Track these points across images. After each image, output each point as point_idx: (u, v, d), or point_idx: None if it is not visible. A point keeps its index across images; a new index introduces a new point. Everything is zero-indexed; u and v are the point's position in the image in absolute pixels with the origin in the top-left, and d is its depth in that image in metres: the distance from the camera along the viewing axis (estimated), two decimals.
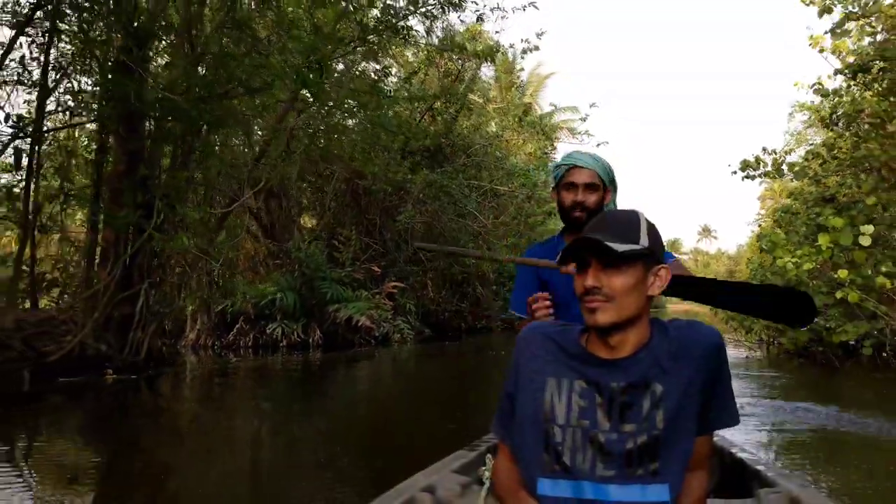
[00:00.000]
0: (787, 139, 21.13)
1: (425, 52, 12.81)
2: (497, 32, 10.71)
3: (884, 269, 7.08)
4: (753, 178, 10.63)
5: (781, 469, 2.13)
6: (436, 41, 11.40)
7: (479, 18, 10.68)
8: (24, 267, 8.13)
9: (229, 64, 6.94)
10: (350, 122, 9.72)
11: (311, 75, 6.78)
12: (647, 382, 1.29)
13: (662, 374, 1.30)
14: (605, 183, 2.29)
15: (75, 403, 6.91)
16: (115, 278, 8.19)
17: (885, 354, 7.91)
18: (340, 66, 9.99)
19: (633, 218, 1.36)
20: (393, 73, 14.06)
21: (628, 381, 1.29)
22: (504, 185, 17.88)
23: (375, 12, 9.61)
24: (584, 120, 23.56)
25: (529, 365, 1.39)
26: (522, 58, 18.81)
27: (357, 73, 9.83)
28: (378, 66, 11.45)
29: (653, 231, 1.36)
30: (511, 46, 20.84)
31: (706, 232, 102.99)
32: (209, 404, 7.44)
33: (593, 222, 1.38)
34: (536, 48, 15.37)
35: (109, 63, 7.87)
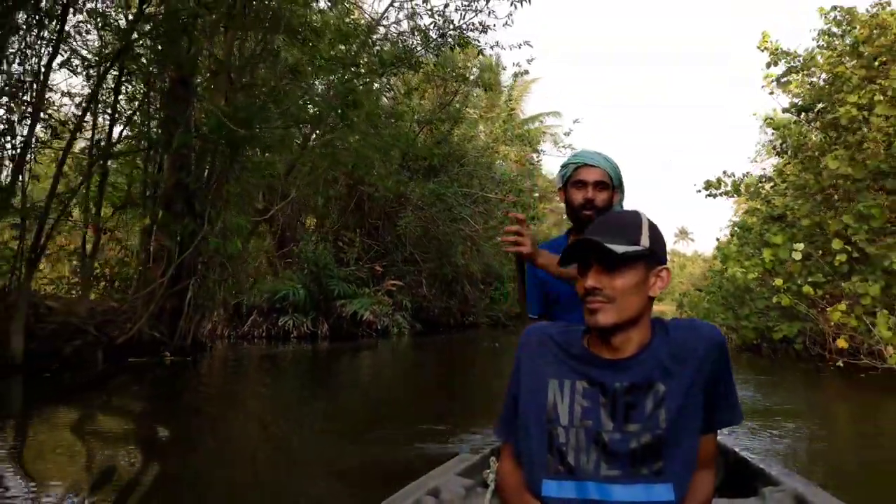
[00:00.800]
0: (751, 158, 22.77)
1: (425, 74, 14.19)
2: (492, 47, 11.89)
3: (811, 279, 8.68)
4: (715, 196, 12.23)
5: (785, 468, 2.11)
6: (436, 61, 12.75)
7: (480, 53, 12.11)
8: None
9: (277, 97, 8.35)
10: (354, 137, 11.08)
11: (347, 109, 8.20)
12: (649, 382, 1.30)
13: (665, 374, 1.30)
14: (614, 183, 2.27)
15: (145, 379, 8.29)
16: (167, 276, 9.57)
17: (811, 349, 9.52)
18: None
19: (634, 219, 1.37)
20: (393, 89, 15.51)
21: (631, 381, 1.30)
22: (492, 192, 19.39)
23: (389, 45, 11.08)
24: (567, 135, 25.05)
25: (532, 366, 1.40)
26: (514, 81, 20.32)
27: (374, 99, 11.28)
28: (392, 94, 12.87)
29: (654, 232, 1.37)
30: (500, 60, 22.44)
31: (683, 234, 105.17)
32: (250, 380, 8.91)
33: (595, 223, 1.40)
34: (526, 72, 16.83)
35: (165, 93, 9.28)
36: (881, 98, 7.96)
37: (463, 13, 10.70)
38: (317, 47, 9.41)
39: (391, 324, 15.86)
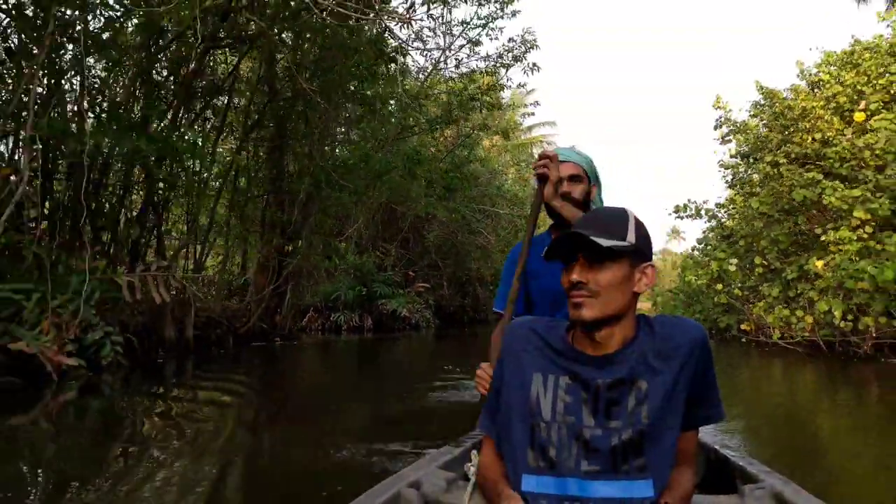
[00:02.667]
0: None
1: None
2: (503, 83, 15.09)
3: (740, 283, 12.16)
4: (683, 217, 15.67)
5: (765, 465, 2.08)
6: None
7: (501, 87, 15.55)
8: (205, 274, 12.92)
9: (366, 157, 11.82)
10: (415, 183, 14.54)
11: (413, 165, 11.64)
12: (632, 379, 1.30)
13: (648, 371, 1.31)
14: (590, 177, 2.32)
15: (267, 357, 11.68)
16: (272, 283, 12.97)
17: (739, 334, 12.97)
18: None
19: (621, 215, 1.38)
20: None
21: (614, 377, 1.31)
22: (501, 207, 22.83)
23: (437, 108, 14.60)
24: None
25: (516, 360, 1.41)
26: (523, 116, 23.79)
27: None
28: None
29: (641, 229, 1.38)
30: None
31: (675, 234, 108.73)
32: (338, 357, 12.34)
33: (582, 218, 1.42)
34: (536, 104, 20.25)
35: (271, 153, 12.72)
36: (784, 161, 11.44)
37: (488, 85, 14.18)
38: (384, 116, 12.86)
39: (421, 319, 19.32)
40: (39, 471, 3.76)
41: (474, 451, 1.92)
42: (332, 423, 5.30)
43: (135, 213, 9.87)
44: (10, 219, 5.77)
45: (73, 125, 6.08)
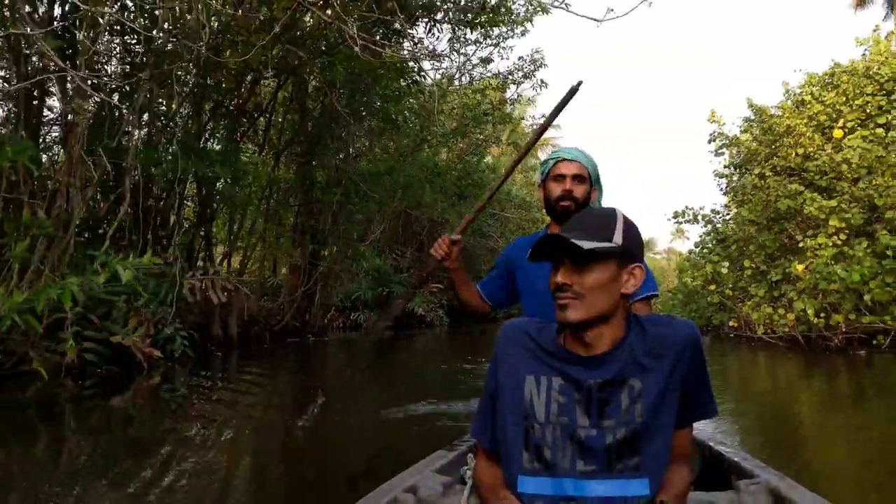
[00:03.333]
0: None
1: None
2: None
3: (731, 284, 13.33)
4: (681, 223, 16.83)
5: (760, 461, 2.13)
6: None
7: (511, 102, 16.77)
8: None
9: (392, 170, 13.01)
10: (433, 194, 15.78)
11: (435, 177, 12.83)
12: (624, 378, 1.32)
13: (640, 370, 1.32)
14: (592, 179, 2.32)
15: (302, 351, 12.89)
16: (303, 284, 14.17)
17: (731, 331, 14.14)
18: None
19: (609, 216, 1.38)
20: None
21: (605, 377, 1.32)
22: (509, 211, 24.03)
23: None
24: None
25: (509, 363, 1.42)
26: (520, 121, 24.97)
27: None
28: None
29: (630, 230, 1.37)
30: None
31: (679, 233, 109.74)
32: (364, 351, 13.56)
33: (571, 220, 1.43)
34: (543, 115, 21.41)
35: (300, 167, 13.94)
36: (769, 173, 12.61)
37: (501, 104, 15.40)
38: (404, 130, 14.08)
39: (434, 317, 20.54)
40: (141, 440, 4.94)
41: (470, 455, 1.99)
42: (370, 404, 6.52)
43: (186, 225, 11.09)
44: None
45: (161, 154, 7.28)
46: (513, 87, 16.15)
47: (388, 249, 21.15)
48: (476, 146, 20.61)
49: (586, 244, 1.28)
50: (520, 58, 16.02)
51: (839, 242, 10.63)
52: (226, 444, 4.59)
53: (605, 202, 2.47)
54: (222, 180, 9.68)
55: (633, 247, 1.36)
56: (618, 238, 1.34)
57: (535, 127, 21.99)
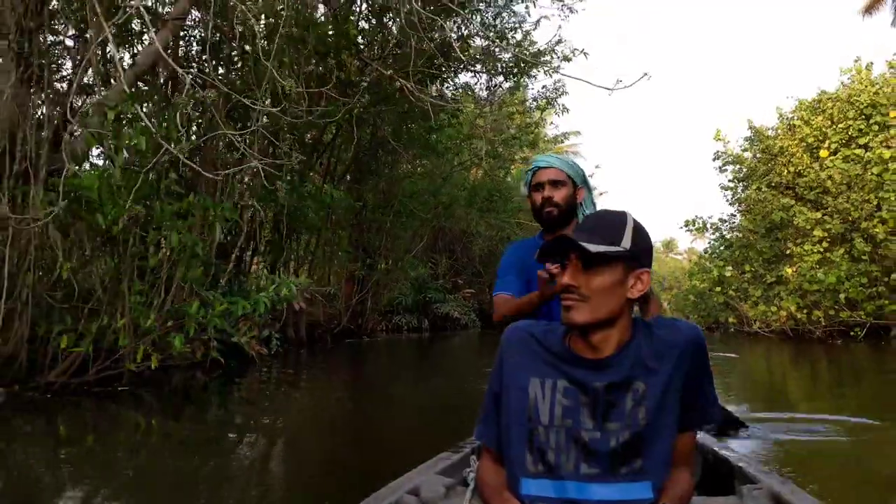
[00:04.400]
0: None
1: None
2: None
3: (735, 286, 15.15)
4: (692, 231, 18.65)
5: (762, 466, 2.15)
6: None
7: (536, 125, 18.69)
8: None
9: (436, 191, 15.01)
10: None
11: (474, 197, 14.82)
12: (629, 381, 1.32)
13: (645, 373, 1.32)
14: (575, 180, 2.36)
15: (360, 350, 14.91)
16: (357, 293, 16.22)
17: (732, 326, 15.94)
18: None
19: (619, 219, 1.38)
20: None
21: (611, 380, 1.32)
22: (533, 219, 25.88)
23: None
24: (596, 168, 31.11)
25: (514, 365, 1.44)
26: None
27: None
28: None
29: (639, 235, 1.37)
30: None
31: (700, 232, 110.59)
32: (411, 350, 15.57)
33: (583, 222, 1.43)
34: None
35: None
36: (766, 188, 14.43)
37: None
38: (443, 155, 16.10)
39: (468, 320, 22.55)
40: (254, 411, 6.99)
41: (473, 457, 2.00)
42: (420, 395, 8.50)
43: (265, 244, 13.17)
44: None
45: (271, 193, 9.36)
46: (536, 112, 18.03)
47: (424, 259, 23.19)
48: (503, 161, 22.59)
49: (594, 247, 1.30)
50: (543, 87, 17.93)
51: (822, 249, 12.44)
52: (309, 416, 6.60)
53: (626, 203, 3.10)
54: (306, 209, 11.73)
55: (641, 252, 1.36)
56: (626, 242, 1.34)
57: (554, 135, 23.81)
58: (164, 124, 5.86)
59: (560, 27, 27.63)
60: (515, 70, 12.40)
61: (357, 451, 4.40)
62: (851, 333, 12.08)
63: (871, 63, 14.56)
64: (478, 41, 12.39)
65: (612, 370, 1.33)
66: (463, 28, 12.49)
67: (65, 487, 3.42)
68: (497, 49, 12.46)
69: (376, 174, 15.61)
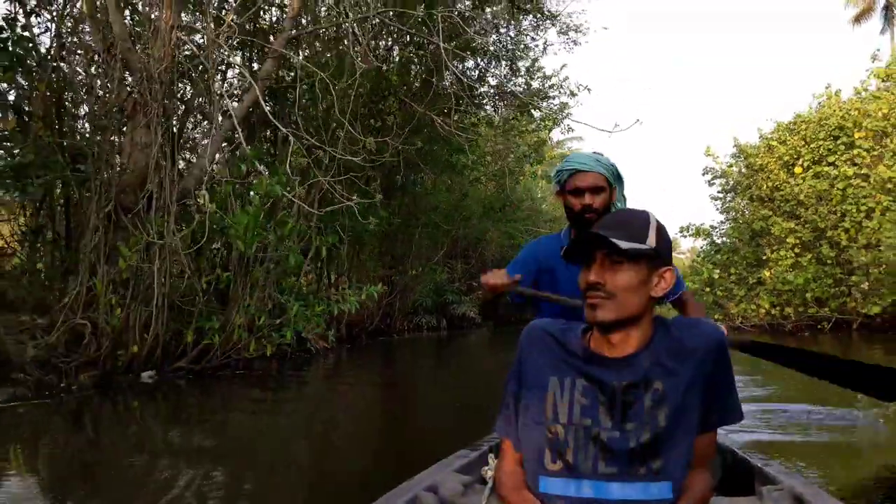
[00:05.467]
0: None
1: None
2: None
3: (722, 285, 17.16)
4: (686, 236, 20.65)
5: (783, 466, 2.13)
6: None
7: (544, 142, 20.74)
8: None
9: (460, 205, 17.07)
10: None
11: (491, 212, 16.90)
12: (648, 381, 1.32)
13: (664, 373, 1.32)
14: (611, 182, 2.33)
15: (393, 346, 16.93)
16: (387, 296, 18.24)
17: (725, 323, 17.96)
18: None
19: (643, 218, 1.39)
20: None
21: (630, 379, 1.33)
22: (540, 226, 27.96)
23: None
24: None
25: (533, 363, 1.45)
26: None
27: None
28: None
29: (661, 233, 1.38)
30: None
31: (698, 235, 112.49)
32: (435, 346, 17.61)
33: (604, 220, 1.42)
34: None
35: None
36: (749, 200, 16.44)
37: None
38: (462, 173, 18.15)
39: (482, 320, 24.58)
40: (321, 394, 9.04)
41: (491, 455, 2.07)
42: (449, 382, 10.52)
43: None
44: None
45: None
46: (544, 132, 20.05)
47: (443, 264, 25.22)
48: (514, 175, 24.63)
49: (623, 244, 1.30)
50: (550, 108, 19.95)
51: (794, 254, 14.45)
52: (359, 399, 8.62)
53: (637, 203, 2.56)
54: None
55: (664, 250, 1.37)
56: (651, 240, 1.35)
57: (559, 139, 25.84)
58: (279, 174, 7.91)
59: (565, 65, 29.59)
60: (527, 106, 14.42)
61: (404, 429, 5.88)
62: (819, 327, 14.09)
63: (840, 90, 16.58)
64: (492, 79, 14.47)
65: (631, 369, 1.33)
66: (481, 62, 14.57)
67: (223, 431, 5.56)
68: (510, 85, 14.52)
69: (402, 190, 17.65)
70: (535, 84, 18.75)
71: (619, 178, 2.38)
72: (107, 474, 4.20)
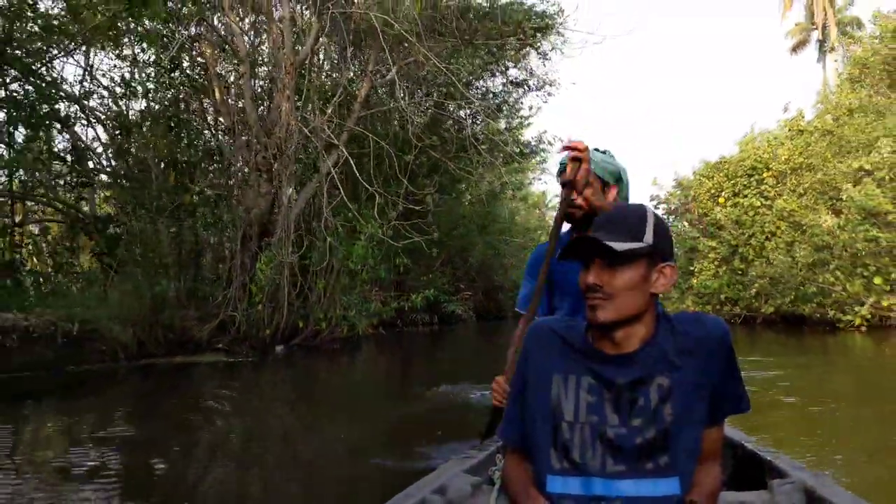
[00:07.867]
0: None
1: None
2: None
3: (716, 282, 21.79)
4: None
5: (793, 460, 2.12)
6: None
7: (525, 168, 25.17)
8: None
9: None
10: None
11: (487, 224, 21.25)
12: (653, 377, 1.31)
13: (669, 369, 1.31)
14: (605, 179, 2.27)
15: (402, 335, 21.07)
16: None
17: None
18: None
19: (640, 214, 1.37)
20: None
21: (635, 376, 1.32)
22: (517, 237, 32.46)
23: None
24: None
25: (537, 361, 1.43)
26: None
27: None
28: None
29: (660, 228, 1.37)
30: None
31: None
32: (435, 336, 21.85)
33: (600, 218, 1.41)
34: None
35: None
36: (685, 223, 21.09)
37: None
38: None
39: (467, 316, 28.97)
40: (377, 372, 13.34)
41: (499, 455, 2.02)
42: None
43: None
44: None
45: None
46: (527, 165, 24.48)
47: (438, 270, 29.54)
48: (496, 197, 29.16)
49: (619, 245, 1.29)
50: (531, 139, 24.38)
51: (714, 267, 19.13)
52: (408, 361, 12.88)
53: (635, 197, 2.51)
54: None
55: (663, 246, 1.36)
56: (648, 237, 1.33)
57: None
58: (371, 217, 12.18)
59: (539, 107, 34.53)
60: (515, 157, 18.89)
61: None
62: (731, 321, 18.75)
63: (759, 134, 21.42)
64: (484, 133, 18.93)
65: (636, 366, 1.33)
66: (478, 117, 18.98)
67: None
68: (500, 139, 19.00)
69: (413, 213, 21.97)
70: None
71: (618, 177, 2.33)
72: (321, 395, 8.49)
